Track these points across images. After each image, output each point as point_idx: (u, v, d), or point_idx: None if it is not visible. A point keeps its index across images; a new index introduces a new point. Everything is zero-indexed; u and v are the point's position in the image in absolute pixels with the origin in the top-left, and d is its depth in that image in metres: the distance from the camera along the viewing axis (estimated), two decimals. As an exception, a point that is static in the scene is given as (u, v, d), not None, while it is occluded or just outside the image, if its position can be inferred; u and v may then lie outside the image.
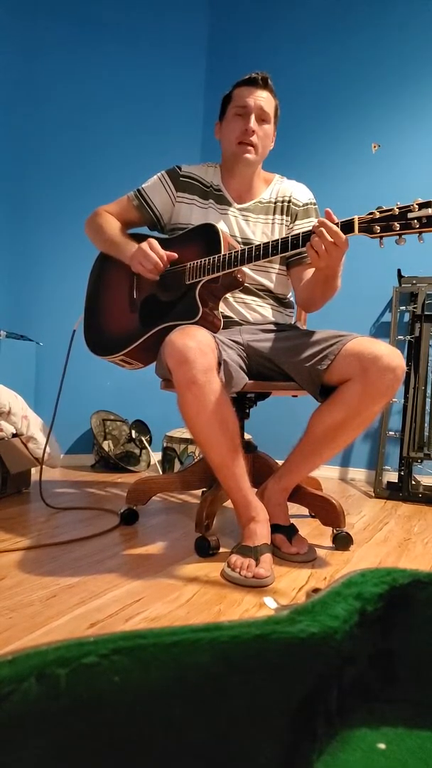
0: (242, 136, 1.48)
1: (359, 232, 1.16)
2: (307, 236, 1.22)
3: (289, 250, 1.27)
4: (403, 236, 1.13)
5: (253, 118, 1.46)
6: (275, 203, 1.57)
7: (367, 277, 2.50)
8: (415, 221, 1.10)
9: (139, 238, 1.54)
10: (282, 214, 1.56)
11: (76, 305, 1.71)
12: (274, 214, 1.56)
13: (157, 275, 1.42)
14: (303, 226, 1.55)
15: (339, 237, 1.16)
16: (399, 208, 1.12)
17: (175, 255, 1.41)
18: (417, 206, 1.10)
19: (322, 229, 1.17)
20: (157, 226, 1.61)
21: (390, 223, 1.13)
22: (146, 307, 1.49)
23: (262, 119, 1.48)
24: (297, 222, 1.56)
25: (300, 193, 1.58)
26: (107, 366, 1.66)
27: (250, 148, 1.48)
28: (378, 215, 1.15)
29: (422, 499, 2.12)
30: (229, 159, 1.54)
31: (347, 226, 1.17)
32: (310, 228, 1.22)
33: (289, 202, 1.56)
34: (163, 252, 1.40)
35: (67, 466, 2.59)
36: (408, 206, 1.11)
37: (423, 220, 1.10)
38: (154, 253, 1.39)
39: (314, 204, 1.60)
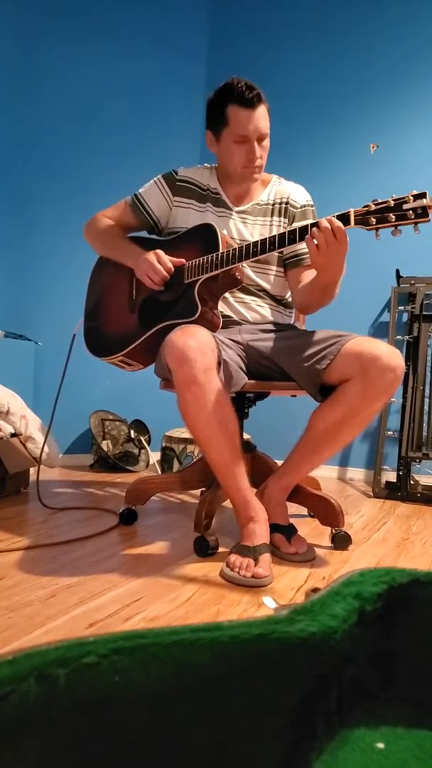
0: (248, 164, 1.45)
1: (355, 224, 1.17)
2: (304, 231, 1.22)
3: (286, 245, 1.26)
4: (398, 228, 1.13)
5: (255, 143, 1.43)
6: (273, 205, 1.56)
7: (365, 277, 2.50)
8: (411, 212, 1.11)
9: (139, 241, 1.54)
10: (280, 215, 1.56)
11: (76, 305, 1.71)
12: (272, 216, 1.56)
13: (162, 287, 1.42)
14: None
15: (339, 229, 1.17)
16: (394, 200, 1.13)
17: (183, 261, 1.39)
18: (412, 197, 1.12)
19: (324, 221, 1.17)
20: (155, 230, 1.61)
21: (385, 214, 1.14)
22: (145, 307, 1.49)
23: (261, 139, 1.45)
24: (294, 224, 1.56)
25: (298, 194, 1.58)
26: (106, 366, 1.66)
27: (256, 168, 1.47)
28: (374, 207, 1.15)
29: (421, 499, 2.12)
30: (231, 174, 1.51)
31: (343, 219, 1.18)
32: (307, 224, 1.23)
33: (287, 203, 1.56)
34: (170, 264, 1.39)
35: (65, 466, 2.59)
36: (403, 198, 1.12)
37: (418, 211, 1.11)
38: (161, 265, 1.39)
39: (312, 206, 1.59)
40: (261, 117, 1.42)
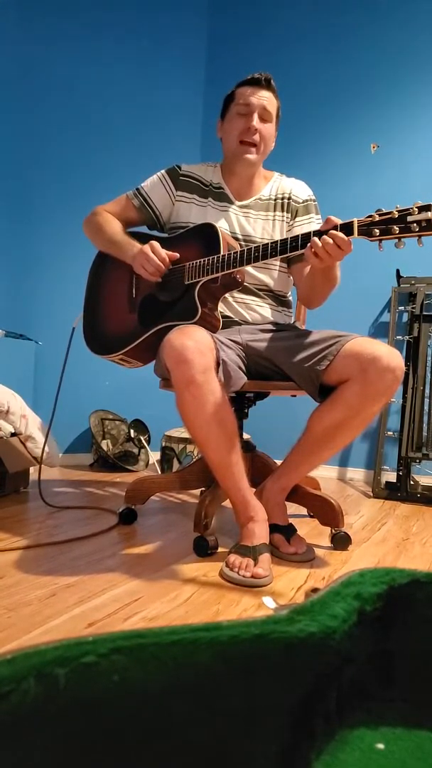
0: (244, 135, 1.47)
1: (358, 235, 1.16)
2: (306, 238, 1.22)
3: (288, 252, 1.26)
4: (402, 239, 1.12)
5: (255, 116, 1.46)
6: (275, 200, 1.57)
7: (366, 278, 2.50)
8: (415, 225, 1.09)
9: (139, 237, 1.54)
10: (282, 210, 1.56)
11: (76, 304, 1.71)
12: (274, 210, 1.56)
13: (159, 278, 1.42)
14: (303, 223, 1.55)
15: (343, 241, 1.16)
16: (398, 211, 1.11)
17: (177, 255, 1.40)
18: (417, 209, 1.09)
19: (326, 236, 1.17)
20: (157, 225, 1.61)
21: (389, 226, 1.12)
22: (145, 306, 1.48)
23: (264, 118, 1.47)
24: (297, 219, 1.56)
25: (300, 189, 1.58)
26: (106, 365, 1.66)
27: (251, 147, 1.48)
28: (377, 218, 1.13)
29: (420, 499, 2.12)
30: (230, 158, 1.54)
31: (346, 228, 1.17)
32: (309, 230, 1.22)
33: (289, 198, 1.56)
34: (164, 254, 1.39)
35: (65, 466, 2.59)
36: (407, 209, 1.10)
37: (423, 224, 1.08)
38: (155, 255, 1.38)
39: (314, 201, 1.60)
40: (266, 97, 1.47)
